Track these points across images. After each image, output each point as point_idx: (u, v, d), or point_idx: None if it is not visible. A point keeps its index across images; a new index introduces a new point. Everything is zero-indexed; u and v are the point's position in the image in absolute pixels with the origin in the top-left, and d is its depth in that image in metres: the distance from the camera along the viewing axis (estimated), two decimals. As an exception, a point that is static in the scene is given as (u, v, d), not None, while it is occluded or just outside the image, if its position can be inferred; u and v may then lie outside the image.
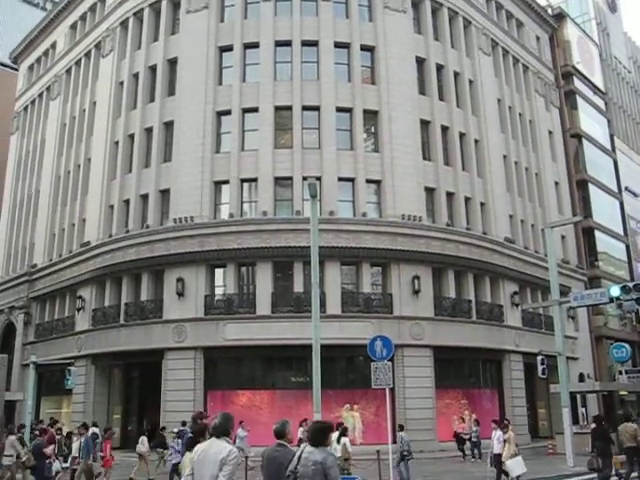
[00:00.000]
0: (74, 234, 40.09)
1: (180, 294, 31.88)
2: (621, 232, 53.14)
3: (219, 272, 32.96)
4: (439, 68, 37.87)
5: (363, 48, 35.61)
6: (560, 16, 52.08)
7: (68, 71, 45.66)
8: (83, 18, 45.53)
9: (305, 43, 35.07)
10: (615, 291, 25.75)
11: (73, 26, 46.67)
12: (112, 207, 37.08)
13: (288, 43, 35.02)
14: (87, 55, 43.75)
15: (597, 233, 48.67)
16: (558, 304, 27.85)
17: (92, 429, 21.91)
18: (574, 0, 61.25)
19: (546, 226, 31.46)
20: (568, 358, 32.41)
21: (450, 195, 35.91)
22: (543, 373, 26.66)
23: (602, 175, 51.56)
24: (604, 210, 50.62)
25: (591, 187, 49.35)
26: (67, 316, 38.77)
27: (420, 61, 37.13)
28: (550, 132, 46.99)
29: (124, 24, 40.00)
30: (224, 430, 6.83)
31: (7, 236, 48.87)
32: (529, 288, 39.57)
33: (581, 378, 41.94)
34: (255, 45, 35.20)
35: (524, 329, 37.71)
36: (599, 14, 62.52)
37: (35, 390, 32.26)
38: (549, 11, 51.60)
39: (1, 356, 37.62)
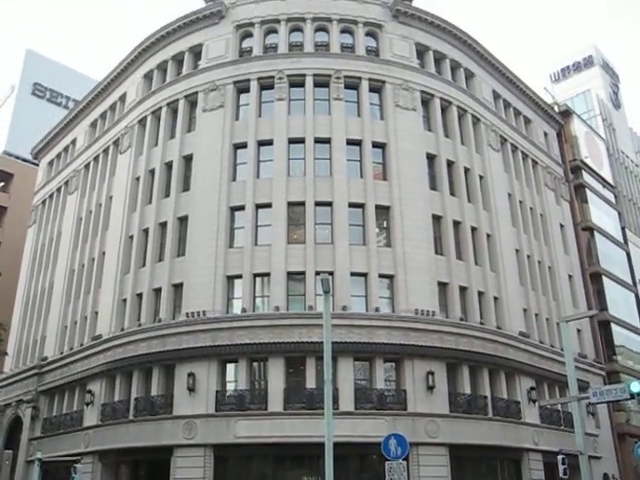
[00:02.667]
0: (86, 327, 40.05)
1: (191, 389, 31.44)
2: (638, 325, 52.43)
3: (231, 367, 32.60)
4: (450, 164, 38.60)
5: (375, 145, 36.51)
6: (566, 113, 53.40)
7: (86, 166, 46.91)
8: (103, 116, 47.19)
9: (318, 140, 36.03)
10: (636, 387, 25.01)
11: (93, 124, 48.34)
12: (125, 301, 37.18)
13: (301, 140, 35.95)
14: (105, 151, 45.04)
15: (613, 326, 48.08)
16: (577, 400, 27.09)
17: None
18: (579, 97, 63.18)
19: (561, 320, 31.07)
20: (590, 457, 31.29)
21: (463, 290, 35.78)
22: (565, 473, 25.69)
23: (615, 268, 51.44)
24: (619, 303, 50.22)
25: (605, 280, 49.15)
26: (75, 411, 38.16)
27: (431, 157, 37.90)
28: (562, 225, 47.24)
29: (142, 122, 41.34)
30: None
31: (19, 329, 48.81)
32: (546, 383, 38.71)
33: (605, 479, 40.38)
34: (269, 142, 36.16)
35: (542, 426, 36.62)
36: (604, 110, 64.19)
37: (39, 488, 31.38)
38: (555, 108, 52.90)
39: (6, 452, 36.96)
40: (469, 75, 42.92)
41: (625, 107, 73.12)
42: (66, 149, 51.89)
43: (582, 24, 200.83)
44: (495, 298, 37.21)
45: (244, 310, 32.57)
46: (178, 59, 41.38)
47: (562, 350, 31.02)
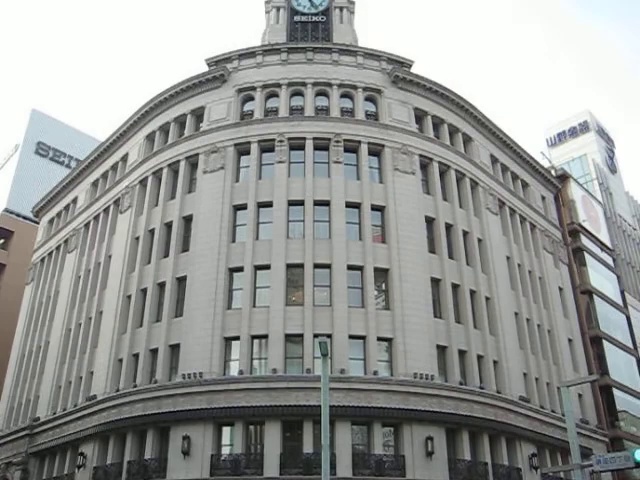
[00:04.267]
0: (80, 387, 39.58)
1: (186, 453, 30.84)
2: (640, 390, 51.83)
3: (226, 430, 32.08)
4: (448, 227, 38.85)
5: (374, 208, 36.84)
6: (563, 177, 54.08)
7: (86, 225, 47.15)
8: (104, 176, 47.71)
9: (317, 203, 36.38)
10: (640, 455, 24.54)
11: (94, 183, 48.85)
12: (121, 361, 36.84)
13: (301, 203, 36.29)
14: (106, 210, 45.35)
15: (615, 391, 47.49)
16: (580, 468, 26.44)
17: None
18: (575, 161, 64.08)
19: (562, 385, 30.64)
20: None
21: (462, 353, 35.52)
22: None
23: (616, 331, 51.19)
24: (621, 367, 49.76)
25: (605, 344, 48.83)
26: (66, 474, 37.29)
27: (429, 220, 38.17)
28: (560, 288, 47.22)
29: (143, 182, 41.77)
30: None
31: (11, 388, 48.15)
32: (548, 450, 38.02)
33: None
34: (269, 204, 36.50)
35: (545, 495, 35.84)
36: (600, 175, 65.01)
37: None
38: (552, 172, 53.56)
39: (-7, 517, 35.78)
40: (467, 139, 43.61)
41: (621, 171, 74.12)
42: (67, 208, 52.26)
43: (577, 89, 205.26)
44: (495, 362, 36.92)
45: (241, 372, 32.26)
46: (180, 121, 42.11)
47: (563, 415, 30.53)
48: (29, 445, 41.19)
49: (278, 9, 46.75)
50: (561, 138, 74.53)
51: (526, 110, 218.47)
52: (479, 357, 36.14)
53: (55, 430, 39.31)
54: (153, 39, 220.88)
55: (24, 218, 66.65)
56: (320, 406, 19.93)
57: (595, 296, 50.36)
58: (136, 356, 36.11)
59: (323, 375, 20.17)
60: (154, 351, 35.36)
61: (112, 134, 47.19)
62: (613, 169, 71.64)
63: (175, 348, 34.60)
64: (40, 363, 45.89)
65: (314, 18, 46.01)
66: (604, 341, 48.67)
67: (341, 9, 46.52)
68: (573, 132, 73.80)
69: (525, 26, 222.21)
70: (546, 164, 55.33)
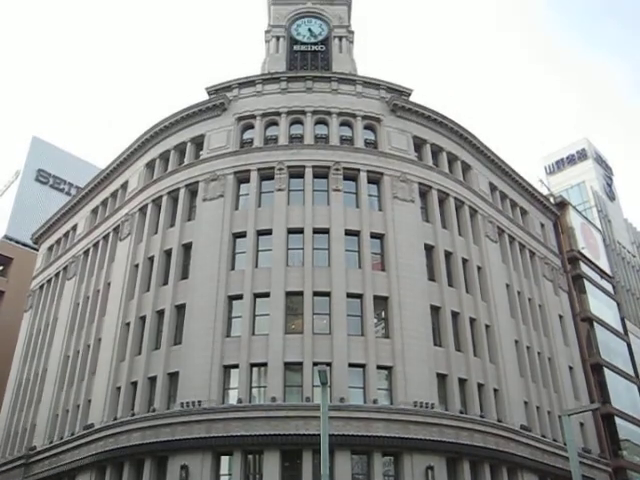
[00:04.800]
0: (78, 416, 39.23)
1: (183, 483, 30.46)
2: (642, 418, 51.42)
3: (225, 460, 31.76)
4: (447, 255, 38.83)
5: (373, 236, 36.86)
6: (562, 204, 54.21)
7: (86, 252, 47.15)
8: (104, 203, 47.81)
9: (317, 231, 36.37)
10: (644, 487, 24.33)
11: (94, 210, 48.94)
12: (119, 389, 36.58)
13: (300, 231, 36.30)
14: (105, 238, 45.38)
15: (618, 420, 47.11)
16: (583, 498, 26.25)
17: None
18: (574, 189, 64.35)
19: (563, 413, 30.34)
20: None
21: (462, 381, 35.31)
22: None
23: (617, 359, 50.92)
24: (622, 395, 49.40)
25: (607, 371, 48.52)
26: (63, 504, 36.89)
27: (429, 248, 38.15)
28: (560, 316, 47.07)
29: (143, 210, 41.83)
30: None
31: (8, 417, 47.80)
32: (550, 479, 37.62)
33: None
34: (268, 232, 36.49)
35: (547, 526, 35.40)
36: (599, 202, 65.22)
37: None
38: (551, 199, 53.70)
39: None
40: (466, 167, 43.78)
41: (620, 198, 74.40)
42: (66, 235, 52.30)
43: (575, 117, 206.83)
44: (495, 390, 36.67)
45: (240, 400, 32.01)
46: (180, 149, 42.30)
47: (565, 444, 30.28)
48: (25, 475, 40.78)
49: (278, 38, 47.23)
50: (559, 166, 74.95)
51: (524, 137, 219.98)
52: (479, 385, 35.91)
53: (51, 459, 38.91)
54: (154, 68, 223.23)
55: (24, 245, 66.64)
56: (320, 435, 19.78)
57: (595, 323, 50.17)
58: (134, 384, 35.86)
59: (322, 404, 20.10)
60: (153, 379, 35.13)
61: (112, 162, 47.42)
62: (612, 196, 71.93)
63: (174, 376, 34.36)
64: (37, 391, 45.58)
65: (313, 47, 46.53)
66: (605, 369, 48.38)
67: (340, 39, 47.01)
68: (571, 160, 74.24)
69: (524, 56, 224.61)
70: (545, 191, 55.57)
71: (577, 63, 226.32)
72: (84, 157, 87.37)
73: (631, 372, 52.87)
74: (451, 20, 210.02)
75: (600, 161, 75.42)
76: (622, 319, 55.99)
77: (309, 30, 47.24)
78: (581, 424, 42.73)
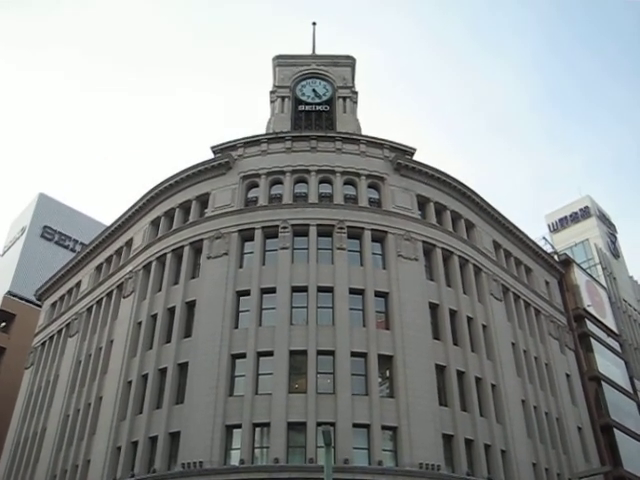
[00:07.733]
0: (76, 477, 38.53)
1: None
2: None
3: (225, 527, 30.92)
4: (452, 313, 38.60)
5: (377, 294, 36.71)
6: (567, 262, 54.14)
7: (89, 309, 47.05)
8: (109, 260, 47.95)
9: (321, 289, 36.24)
10: None
11: (98, 267, 49.04)
12: (119, 449, 35.94)
13: (304, 289, 36.19)
14: (109, 295, 45.33)
15: (629, 483, 45.86)
16: None
17: None
18: (578, 246, 64.34)
19: (574, 476, 29.86)
20: None
21: (469, 442, 34.60)
22: None
23: (627, 419, 49.94)
24: (634, 457, 48.11)
25: (617, 432, 47.54)
26: None
27: (433, 306, 37.96)
28: (568, 375, 46.43)
29: (147, 267, 41.88)
30: None
31: (4, 477, 46.80)
32: None
33: None
34: (272, 290, 36.39)
35: None
36: (604, 259, 65.12)
37: None
38: (555, 257, 53.65)
39: None
40: (469, 226, 43.93)
41: (624, 256, 74.34)
42: (70, 291, 52.29)
43: (578, 176, 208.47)
44: (502, 451, 35.89)
45: (242, 461, 31.36)
46: (185, 207, 42.60)
47: (575, 510, 29.50)
48: (21, 539, 39.75)
49: (283, 99, 48.11)
50: (563, 224, 75.25)
51: (528, 196, 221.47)
52: (486, 446, 35.17)
53: (48, 523, 38.01)
54: (160, 126, 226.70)
55: (27, 301, 66.62)
56: (323, 498, 19.31)
57: (604, 382, 49.44)
58: (135, 444, 35.24)
59: (326, 465, 19.76)
60: (154, 439, 34.53)
61: (117, 219, 47.76)
62: (616, 254, 71.88)
63: (175, 436, 33.78)
64: (36, 451, 44.84)
65: (318, 107, 47.36)
66: (615, 430, 47.44)
67: (344, 99, 47.87)
68: (574, 218, 74.60)
69: (525, 111, 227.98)
70: (549, 249, 55.57)
71: (576, 116, 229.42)
72: (90, 214, 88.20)
73: (642, 433, 51.78)
74: (455, 79, 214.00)
75: (603, 219, 75.71)
76: (631, 378, 55.17)
77: (313, 91, 48.19)
78: (592, 488, 41.60)
